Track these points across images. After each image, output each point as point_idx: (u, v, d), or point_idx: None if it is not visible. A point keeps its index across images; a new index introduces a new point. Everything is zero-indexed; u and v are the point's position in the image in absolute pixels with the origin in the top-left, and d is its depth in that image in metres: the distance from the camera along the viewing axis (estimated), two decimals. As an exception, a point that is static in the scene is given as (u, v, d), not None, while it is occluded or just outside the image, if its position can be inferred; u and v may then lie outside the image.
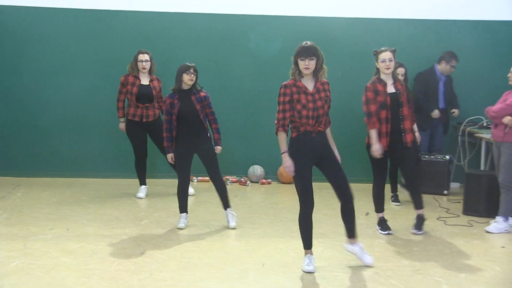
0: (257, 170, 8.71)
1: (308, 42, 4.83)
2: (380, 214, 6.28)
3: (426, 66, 8.37)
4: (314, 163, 4.91)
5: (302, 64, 4.78)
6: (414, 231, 6.16)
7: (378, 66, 6.06)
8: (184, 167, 6.19)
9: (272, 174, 8.75)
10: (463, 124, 8.28)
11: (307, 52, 4.76)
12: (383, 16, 8.74)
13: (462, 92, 8.51)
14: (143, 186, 7.62)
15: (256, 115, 8.81)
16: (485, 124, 8.02)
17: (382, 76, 6.06)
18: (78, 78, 8.67)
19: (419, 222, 6.18)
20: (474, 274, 4.98)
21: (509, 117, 6.15)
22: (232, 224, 6.23)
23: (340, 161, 5.00)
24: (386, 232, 6.14)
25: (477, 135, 7.77)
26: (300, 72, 4.83)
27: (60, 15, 8.63)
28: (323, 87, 4.88)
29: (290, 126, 4.91)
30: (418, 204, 6.18)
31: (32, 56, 8.65)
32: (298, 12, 8.71)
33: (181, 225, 6.19)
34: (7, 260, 5.05)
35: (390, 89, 6.03)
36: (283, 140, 4.87)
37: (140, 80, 7.37)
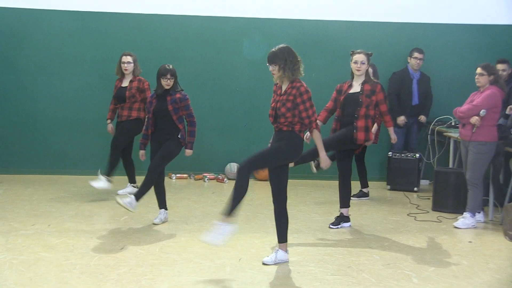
0: (234, 167, 8.82)
1: (277, 47, 4.93)
2: (342, 210, 6.33)
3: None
4: None
5: None
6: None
7: (351, 66, 6.23)
8: None
9: (248, 171, 8.86)
10: (432, 123, 8.48)
11: (267, 59, 4.93)
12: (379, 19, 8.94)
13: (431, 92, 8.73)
14: (128, 184, 7.70)
15: (234, 114, 8.93)
16: (453, 124, 8.19)
17: (354, 76, 6.24)
18: (67, 77, 8.71)
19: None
20: (443, 267, 5.12)
21: (476, 117, 6.29)
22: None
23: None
24: (335, 227, 6.21)
25: (445, 134, 7.89)
26: None
27: (54, 17, 8.66)
28: (290, 91, 4.93)
29: None
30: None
31: (21, 55, 8.68)
32: (293, 15, 8.84)
33: (156, 220, 6.28)
34: (-11, 255, 5.09)
35: (355, 89, 6.18)
36: None
37: (122, 83, 7.51)
